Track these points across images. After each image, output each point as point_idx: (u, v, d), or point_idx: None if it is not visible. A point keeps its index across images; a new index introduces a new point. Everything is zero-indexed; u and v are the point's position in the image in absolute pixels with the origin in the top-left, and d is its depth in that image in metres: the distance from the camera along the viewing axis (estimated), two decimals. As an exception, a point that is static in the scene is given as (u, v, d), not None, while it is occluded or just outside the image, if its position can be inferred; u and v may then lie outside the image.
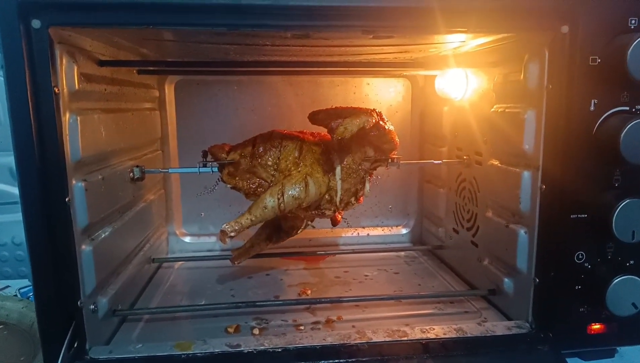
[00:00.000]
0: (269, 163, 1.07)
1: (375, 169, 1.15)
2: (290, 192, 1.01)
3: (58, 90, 0.77)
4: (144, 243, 1.26)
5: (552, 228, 0.88)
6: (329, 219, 1.19)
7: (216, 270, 1.36)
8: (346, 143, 1.05)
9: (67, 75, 0.81)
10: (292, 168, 1.06)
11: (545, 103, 0.87)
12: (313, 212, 1.09)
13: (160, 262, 1.38)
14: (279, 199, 1.00)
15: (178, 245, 1.52)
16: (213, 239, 1.53)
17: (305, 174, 1.04)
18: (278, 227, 1.17)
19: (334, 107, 1.12)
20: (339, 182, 1.07)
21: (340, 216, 1.19)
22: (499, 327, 0.94)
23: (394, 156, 1.12)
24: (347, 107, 1.09)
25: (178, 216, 1.51)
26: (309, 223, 1.22)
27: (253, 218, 1.00)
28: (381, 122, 0.99)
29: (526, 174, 0.93)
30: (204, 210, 1.52)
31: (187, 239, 1.53)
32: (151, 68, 1.25)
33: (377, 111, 1.00)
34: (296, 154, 1.07)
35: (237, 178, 1.08)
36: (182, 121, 1.47)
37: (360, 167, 1.08)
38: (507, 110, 1.01)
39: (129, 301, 1.11)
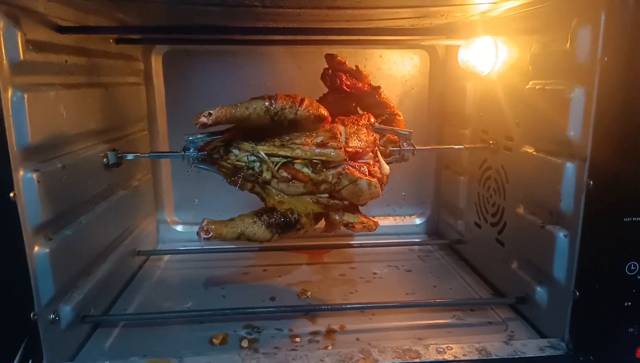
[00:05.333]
0: None
1: (386, 148, 1.01)
2: (281, 94, 0.87)
3: (-7, 61, 0.63)
4: (126, 235, 1.12)
5: (600, 233, 0.75)
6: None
7: (208, 264, 1.23)
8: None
9: (7, 43, 0.66)
10: None
11: (597, 80, 0.72)
12: (313, 146, 0.89)
13: (146, 255, 1.25)
14: (270, 97, 0.86)
15: (169, 234, 1.39)
16: (208, 227, 1.40)
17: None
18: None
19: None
20: (341, 126, 0.95)
21: (363, 222, 1.03)
22: (529, 347, 0.81)
23: (398, 114, 1.02)
24: None
25: (169, 202, 1.38)
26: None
27: (236, 110, 0.83)
28: (359, 68, 1.05)
29: (569, 166, 0.78)
30: (198, 196, 1.38)
31: (179, 227, 1.40)
32: (128, 36, 1.09)
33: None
34: None
35: None
36: (172, 97, 1.32)
37: (363, 123, 0.98)
38: (546, 87, 0.85)
39: (106, 303, 0.99)
